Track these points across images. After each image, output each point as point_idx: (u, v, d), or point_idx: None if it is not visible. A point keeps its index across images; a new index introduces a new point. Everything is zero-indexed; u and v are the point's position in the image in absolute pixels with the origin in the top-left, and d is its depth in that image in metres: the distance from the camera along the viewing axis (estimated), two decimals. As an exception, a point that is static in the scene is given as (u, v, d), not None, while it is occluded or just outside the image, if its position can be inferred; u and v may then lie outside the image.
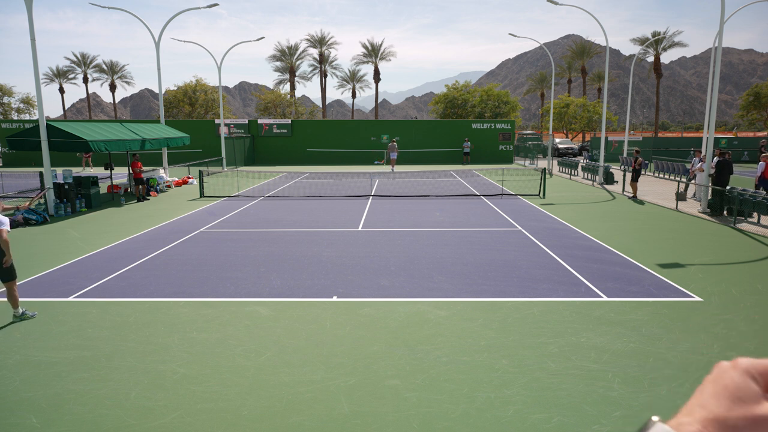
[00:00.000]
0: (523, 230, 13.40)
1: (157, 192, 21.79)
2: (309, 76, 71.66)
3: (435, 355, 6.10)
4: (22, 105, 68.96)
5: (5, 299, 8.19)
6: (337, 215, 15.82)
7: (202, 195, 20.46)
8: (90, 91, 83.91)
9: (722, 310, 7.57)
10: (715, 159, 16.86)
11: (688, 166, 21.81)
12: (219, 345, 6.44)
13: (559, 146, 45.17)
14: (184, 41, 34.06)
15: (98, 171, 31.84)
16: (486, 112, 54.78)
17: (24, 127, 37.64)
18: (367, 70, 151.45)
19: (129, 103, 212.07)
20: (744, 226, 14.00)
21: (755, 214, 14.64)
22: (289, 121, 40.34)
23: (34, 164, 35.55)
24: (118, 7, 26.22)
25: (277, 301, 8.06)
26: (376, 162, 39.10)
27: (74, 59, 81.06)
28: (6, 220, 7.15)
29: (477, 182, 24.99)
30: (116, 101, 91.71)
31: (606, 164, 25.54)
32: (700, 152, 20.09)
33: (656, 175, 28.96)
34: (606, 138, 34.91)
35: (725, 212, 15.63)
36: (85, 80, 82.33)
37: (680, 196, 17.95)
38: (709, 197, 16.18)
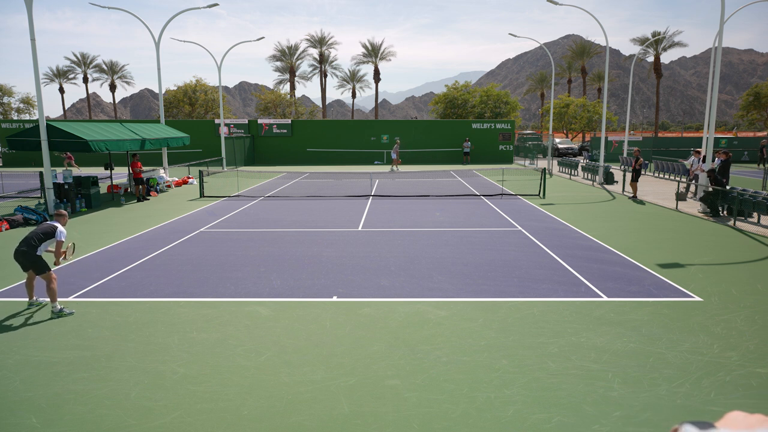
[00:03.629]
0: (523, 230, 13.40)
1: (157, 192, 21.79)
2: (309, 76, 71.71)
3: (435, 355, 6.10)
4: (22, 105, 69.06)
5: (5, 299, 8.20)
6: (337, 215, 15.82)
7: (202, 195, 20.46)
8: (90, 91, 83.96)
9: (722, 310, 7.56)
10: (718, 160, 16.76)
11: (687, 165, 21.76)
12: (219, 345, 6.44)
13: (559, 146, 45.17)
14: (184, 41, 34.09)
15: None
16: (486, 112, 54.78)
17: (24, 127, 37.65)
18: (367, 70, 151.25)
19: (129, 103, 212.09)
20: (744, 225, 14.00)
21: (755, 214, 14.64)
22: (289, 121, 40.34)
23: (34, 164, 35.58)
24: (117, 7, 26.24)
25: (277, 301, 8.06)
26: (376, 162, 39.10)
27: (74, 59, 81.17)
28: (65, 231, 7.77)
29: (477, 182, 24.99)
30: (116, 101, 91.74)
31: (606, 164, 25.54)
32: (699, 152, 20.04)
33: (656, 175, 28.97)
34: (606, 138, 34.91)
35: (724, 212, 15.63)
36: (85, 80, 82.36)
37: (680, 196, 17.94)
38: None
